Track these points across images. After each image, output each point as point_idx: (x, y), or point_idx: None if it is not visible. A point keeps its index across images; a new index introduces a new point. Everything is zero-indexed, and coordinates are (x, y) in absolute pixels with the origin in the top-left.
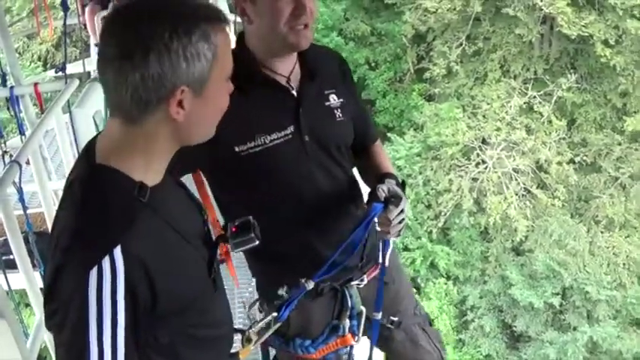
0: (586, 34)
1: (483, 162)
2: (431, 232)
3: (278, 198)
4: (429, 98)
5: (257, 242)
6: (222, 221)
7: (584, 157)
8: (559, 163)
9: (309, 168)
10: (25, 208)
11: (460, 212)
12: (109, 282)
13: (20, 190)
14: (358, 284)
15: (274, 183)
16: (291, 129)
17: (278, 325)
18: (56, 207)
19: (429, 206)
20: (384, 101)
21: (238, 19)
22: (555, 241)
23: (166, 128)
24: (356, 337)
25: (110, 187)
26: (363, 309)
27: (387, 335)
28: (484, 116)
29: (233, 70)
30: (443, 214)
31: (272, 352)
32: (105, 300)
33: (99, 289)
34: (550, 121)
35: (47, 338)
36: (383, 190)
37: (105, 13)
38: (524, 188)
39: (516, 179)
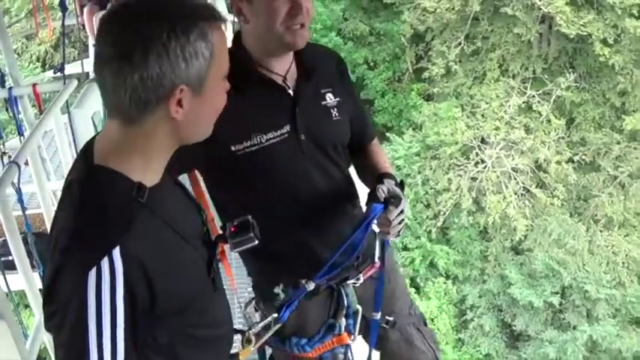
0: (585, 33)
1: (482, 161)
2: (430, 231)
3: (274, 197)
4: (428, 98)
5: (256, 242)
6: (217, 219)
7: (583, 156)
8: (558, 163)
9: (306, 167)
10: (23, 209)
11: (459, 212)
12: (108, 283)
13: (19, 191)
14: (354, 283)
15: (270, 182)
16: (287, 128)
17: (278, 326)
18: (55, 208)
19: (428, 206)
20: (382, 101)
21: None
22: (554, 240)
23: (165, 128)
24: (352, 336)
25: (108, 188)
26: (359, 308)
27: (382, 335)
28: (483, 115)
29: (230, 69)
30: (442, 213)
31: (268, 351)
32: (104, 301)
33: (98, 290)
34: (549, 121)
35: (46, 339)
36: (382, 191)
37: (103, 13)
38: (524, 187)
39: (515, 178)
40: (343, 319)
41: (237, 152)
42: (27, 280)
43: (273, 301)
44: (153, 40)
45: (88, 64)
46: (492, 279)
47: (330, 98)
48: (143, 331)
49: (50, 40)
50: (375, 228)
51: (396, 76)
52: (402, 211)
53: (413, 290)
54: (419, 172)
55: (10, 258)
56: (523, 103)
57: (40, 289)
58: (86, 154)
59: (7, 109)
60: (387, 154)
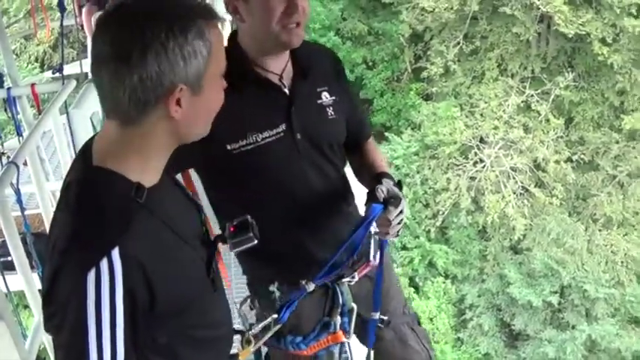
0: (583, 32)
1: (481, 161)
2: (429, 231)
3: (270, 196)
4: (427, 97)
5: (256, 242)
6: (213, 219)
7: (582, 156)
8: (557, 162)
9: (301, 166)
10: (22, 210)
11: (458, 211)
12: (107, 283)
13: (18, 192)
14: (349, 281)
15: (266, 181)
16: (282, 127)
17: (278, 326)
18: (54, 208)
19: (426, 205)
20: (381, 100)
21: None
22: (553, 240)
23: (164, 127)
24: (347, 334)
25: (107, 189)
26: (354, 306)
27: (376, 334)
28: (482, 115)
29: (226, 68)
30: (441, 213)
31: (264, 349)
32: (103, 301)
33: (97, 291)
34: (548, 120)
35: (46, 339)
36: (382, 191)
37: None
38: (522, 187)
39: (514, 178)
40: (338, 317)
41: (233, 151)
42: (26, 281)
43: (268, 299)
44: (151, 40)
45: (87, 65)
46: (491, 278)
47: (325, 97)
48: (143, 331)
49: (49, 40)
50: (373, 228)
51: (394, 75)
52: (401, 211)
53: (412, 290)
54: (418, 172)
55: (9, 258)
56: (522, 102)
57: (39, 290)
58: (85, 154)
59: (5, 110)
60: (386, 153)
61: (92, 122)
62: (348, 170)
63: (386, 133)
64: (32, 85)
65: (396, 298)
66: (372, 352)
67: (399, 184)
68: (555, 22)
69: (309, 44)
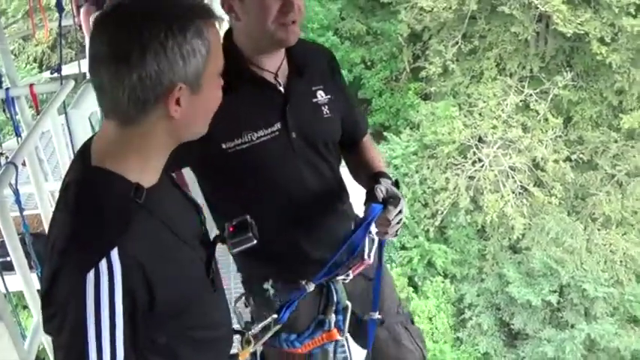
0: (582, 31)
1: (480, 160)
2: (428, 230)
3: (265, 195)
4: (425, 97)
5: (255, 242)
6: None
7: (581, 155)
8: (555, 161)
9: (296, 165)
10: (21, 210)
11: (457, 211)
12: (107, 284)
13: (17, 192)
14: (344, 279)
15: (261, 180)
16: (277, 126)
17: (278, 327)
18: (53, 208)
19: (425, 205)
20: (380, 100)
21: None
22: (552, 239)
23: (164, 127)
24: (341, 332)
25: (106, 190)
26: (349, 304)
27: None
28: (480, 114)
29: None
30: (440, 212)
31: (259, 348)
32: (102, 302)
33: (96, 292)
34: (546, 119)
35: (45, 340)
36: (381, 191)
37: None
38: (521, 186)
39: (513, 177)
40: (333, 315)
41: (228, 150)
42: (25, 281)
43: (263, 296)
44: (150, 39)
45: (85, 65)
46: (490, 278)
47: (321, 96)
48: (142, 332)
49: (47, 40)
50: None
51: (393, 75)
52: (400, 211)
53: (411, 289)
54: (416, 172)
55: (8, 259)
56: (520, 101)
57: (38, 290)
58: (83, 155)
59: (4, 110)
60: (385, 153)
61: (91, 122)
62: (343, 169)
63: (385, 133)
64: (31, 85)
65: (389, 298)
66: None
67: (396, 184)
68: (554, 21)
69: (305, 42)
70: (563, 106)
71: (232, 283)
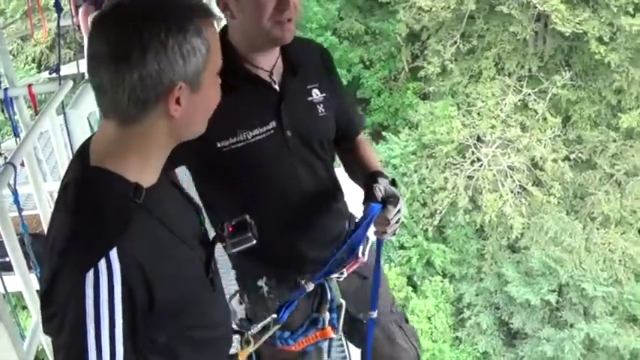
0: (580, 31)
1: (478, 160)
2: (427, 230)
3: (260, 193)
4: (424, 97)
5: (254, 241)
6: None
7: (580, 154)
8: (554, 161)
9: (291, 163)
10: (20, 210)
11: (456, 210)
12: (106, 284)
13: (15, 192)
14: (338, 277)
15: (256, 178)
16: (272, 124)
17: (277, 327)
18: (51, 209)
19: (424, 204)
20: (378, 100)
21: None
22: (551, 238)
23: (163, 127)
24: (335, 330)
25: (105, 190)
26: (343, 302)
27: (365, 332)
28: (479, 114)
29: None
30: (438, 212)
31: None
32: (102, 302)
33: (96, 291)
34: (545, 119)
35: (44, 340)
36: (380, 190)
37: None
38: (520, 186)
39: (511, 177)
40: (327, 313)
41: (223, 149)
42: (24, 282)
43: (257, 293)
44: (150, 39)
45: (84, 65)
46: (489, 277)
47: (316, 94)
48: (142, 331)
49: (45, 41)
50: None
51: (391, 75)
52: (399, 210)
53: (410, 289)
54: (415, 171)
55: (7, 259)
56: (519, 101)
57: (37, 291)
58: (82, 155)
59: (2, 110)
60: (384, 152)
61: (89, 122)
62: (338, 168)
63: (383, 133)
64: (29, 85)
65: (383, 297)
66: (369, 352)
67: (393, 183)
68: (552, 20)
69: (299, 40)
70: (562, 105)
71: (226, 280)
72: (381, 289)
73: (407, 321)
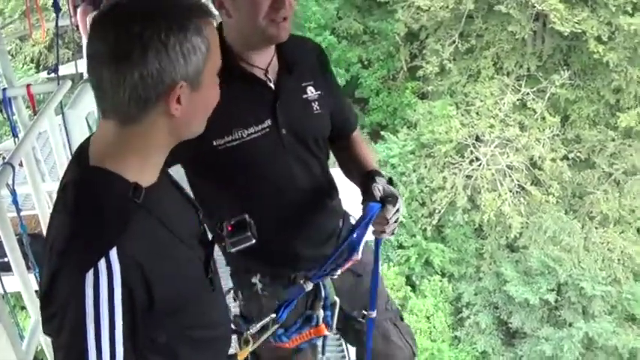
0: (579, 30)
1: (477, 159)
2: (425, 229)
3: (255, 191)
4: (423, 96)
5: (254, 241)
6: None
7: (578, 154)
8: (553, 160)
9: (287, 161)
10: (18, 211)
11: (454, 210)
12: (106, 284)
13: (14, 192)
14: (332, 275)
15: (251, 177)
16: (268, 122)
17: (277, 326)
18: (50, 209)
19: (423, 204)
20: (377, 99)
21: None
22: (550, 238)
23: (163, 126)
24: (329, 328)
25: (104, 189)
26: (337, 300)
27: (359, 329)
28: (477, 113)
29: None
30: (437, 211)
31: None
32: (102, 302)
33: (96, 291)
34: (543, 118)
35: (43, 340)
36: (379, 190)
37: None
38: (518, 185)
39: (510, 176)
40: (321, 311)
41: (219, 147)
42: (23, 282)
43: (251, 290)
44: (151, 38)
45: (82, 65)
46: (488, 276)
47: (311, 92)
48: (142, 331)
49: (44, 41)
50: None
51: (390, 74)
52: (397, 210)
53: (409, 288)
54: (414, 171)
55: (6, 260)
56: (517, 100)
57: (36, 291)
58: (80, 156)
59: (1, 111)
60: (382, 152)
61: (88, 122)
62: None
63: (382, 132)
64: (28, 85)
65: (379, 295)
66: (369, 352)
67: (390, 182)
68: (551, 20)
69: (294, 38)
70: (561, 104)
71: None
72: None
73: (402, 319)
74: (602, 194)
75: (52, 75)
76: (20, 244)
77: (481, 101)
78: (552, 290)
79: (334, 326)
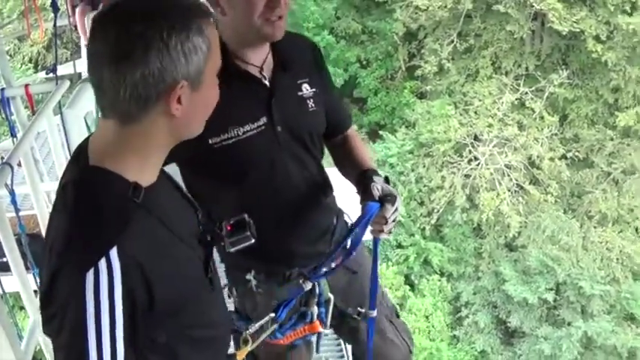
0: (577, 29)
1: (475, 158)
2: (424, 229)
3: (250, 189)
4: (421, 96)
5: (253, 240)
6: None
7: (577, 153)
8: (551, 159)
9: (282, 159)
10: (17, 211)
11: (453, 209)
12: (106, 283)
13: (12, 193)
14: (332, 275)
15: (247, 174)
16: (264, 120)
17: (276, 326)
18: (49, 209)
19: (421, 203)
20: (375, 99)
21: None
22: (548, 237)
23: (163, 126)
24: (324, 325)
25: (104, 189)
26: (331, 296)
27: (354, 326)
28: (476, 113)
29: None
30: (436, 211)
31: None
32: (102, 301)
33: (96, 291)
34: (542, 117)
35: (41, 340)
36: (377, 189)
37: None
38: (517, 184)
39: (509, 175)
40: (315, 307)
41: (214, 145)
42: (21, 282)
43: (245, 287)
44: (153, 37)
45: (81, 65)
46: (487, 276)
47: (306, 89)
48: (142, 331)
49: (42, 41)
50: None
51: (388, 74)
52: (396, 209)
53: (407, 287)
54: (412, 170)
55: (5, 260)
56: (516, 100)
57: (34, 291)
58: (80, 156)
59: None
60: (381, 152)
61: (86, 122)
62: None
63: (380, 132)
64: (26, 85)
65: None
66: (370, 351)
67: (386, 180)
68: (549, 19)
69: (289, 35)
70: (559, 104)
71: None
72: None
73: (398, 315)
74: (600, 193)
75: (51, 75)
76: (19, 244)
77: (479, 101)
78: (551, 289)
79: (329, 323)
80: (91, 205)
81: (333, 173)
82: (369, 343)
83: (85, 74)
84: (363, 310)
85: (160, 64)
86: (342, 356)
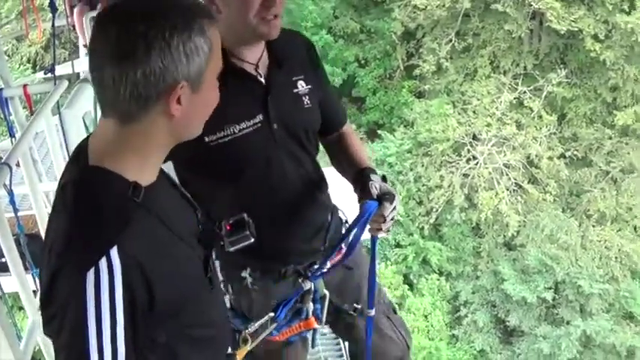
0: (575, 28)
1: (474, 158)
2: (423, 228)
3: (247, 186)
4: (419, 95)
5: (252, 240)
6: None
7: (575, 152)
8: (550, 158)
9: (278, 156)
10: (16, 211)
11: (451, 208)
12: (107, 283)
13: (11, 193)
14: (330, 274)
15: (243, 172)
16: (260, 117)
17: (275, 325)
18: (47, 209)
19: (420, 203)
20: (374, 98)
21: None
22: (547, 236)
23: (163, 126)
24: (319, 321)
25: (104, 189)
26: (327, 293)
27: (350, 322)
28: (474, 112)
29: None
30: (434, 210)
31: None
32: (103, 301)
33: (96, 291)
34: (540, 116)
35: (41, 341)
36: (375, 188)
37: (93, 13)
38: (516, 183)
39: (507, 174)
40: (310, 304)
41: (211, 143)
42: (20, 282)
43: (241, 284)
44: (155, 37)
45: (79, 65)
46: (485, 275)
47: (301, 86)
48: (142, 331)
49: (40, 41)
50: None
51: (387, 73)
52: (394, 207)
53: (406, 287)
54: (411, 169)
55: (3, 260)
56: (514, 99)
57: (33, 291)
58: (79, 155)
59: None
60: (379, 151)
61: (85, 122)
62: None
63: (379, 131)
64: (24, 85)
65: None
66: (369, 350)
67: (383, 179)
68: (547, 18)
69: (285, 32)
70: (557, 103)
71: None
72: (366, 279)
73: (395, 311)
74: (599, 192)
75: (49, 75)
76: (17, 245)
77: (478, 100)
78: (550, 288)
79: (324, 319)
80: (91, 204)
81: (328, 172)
82: (369, 342)
83: (83, 74)
84: (359, 306)
85: (161, 64)
86: (341, 355)
